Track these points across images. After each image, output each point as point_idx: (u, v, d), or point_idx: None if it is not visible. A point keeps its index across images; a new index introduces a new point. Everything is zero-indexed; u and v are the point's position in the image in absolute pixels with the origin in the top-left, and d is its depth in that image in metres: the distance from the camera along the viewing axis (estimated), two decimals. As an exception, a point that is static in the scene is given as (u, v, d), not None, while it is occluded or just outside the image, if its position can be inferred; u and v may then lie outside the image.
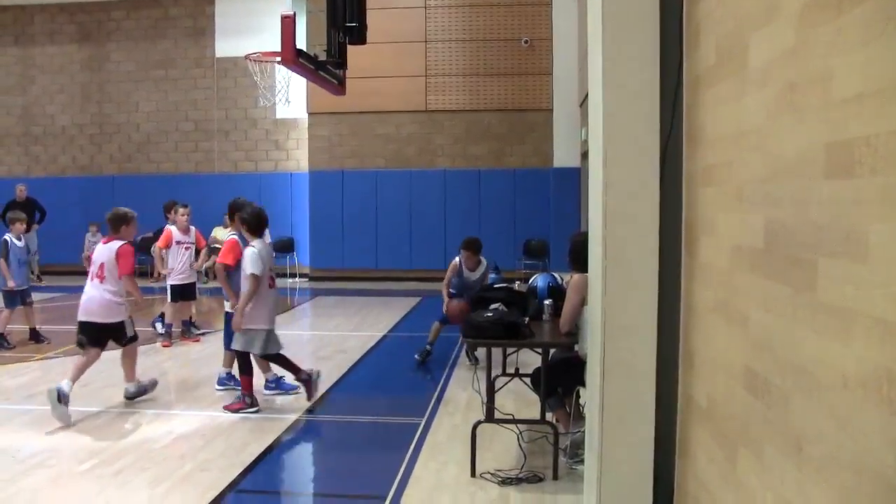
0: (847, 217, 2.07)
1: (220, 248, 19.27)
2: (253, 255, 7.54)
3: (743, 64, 2.98)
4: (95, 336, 7.82)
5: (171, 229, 11.21)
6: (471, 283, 9.61)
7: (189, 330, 11.63)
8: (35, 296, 11.87)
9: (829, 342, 2.16)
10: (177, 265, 11.16)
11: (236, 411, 7.61)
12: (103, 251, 7.92)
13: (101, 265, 7.85)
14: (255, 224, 7.75)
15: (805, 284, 2.34)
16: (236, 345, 7.65)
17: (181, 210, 11.26)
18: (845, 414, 2.06)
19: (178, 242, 11.14)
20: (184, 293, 11.28)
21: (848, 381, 2.05)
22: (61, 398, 7.20)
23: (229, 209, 8.47)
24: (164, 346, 10.97)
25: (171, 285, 11.15)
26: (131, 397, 8.04)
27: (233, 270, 7.99)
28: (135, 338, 8.12)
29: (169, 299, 11.21)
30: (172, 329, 11.24)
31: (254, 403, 7.71)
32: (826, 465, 2.17)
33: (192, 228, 11.36)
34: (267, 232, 8.09)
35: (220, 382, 8.57)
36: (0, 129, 22.06)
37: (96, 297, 7.83)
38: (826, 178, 2.20)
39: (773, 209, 2.65)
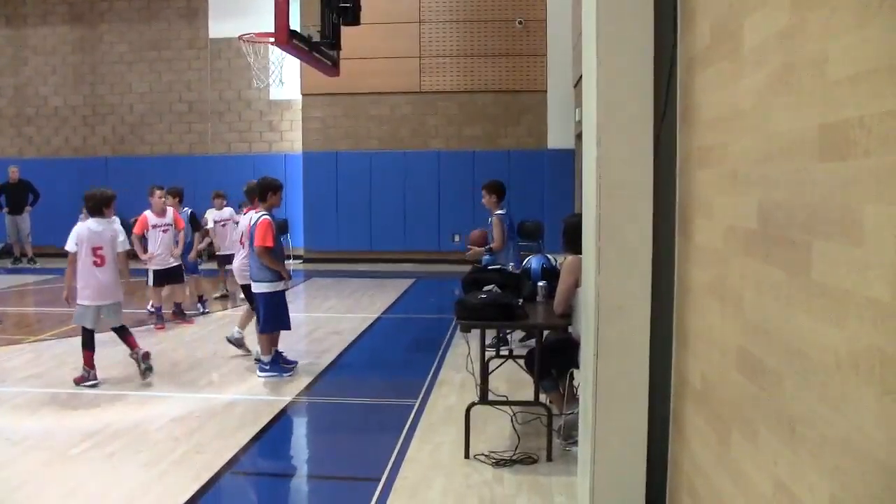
0: (841, 198, 2.06)
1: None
2: (71, 234, 8.10)
3: (738, 45, 2.97)
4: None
5: (147, 213, 11.05)
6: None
7: (182, 312, 11.58)
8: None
9: (823, 323, 2.16)
10: (157, 249, 10.97)
11: (79, 383, 7.90)
12: (243, 222, 9.37)
13: (243, 235, 9.26)
14: (89, 205, 8.20)
15: (799, 266, 2.34)
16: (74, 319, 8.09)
17: (157, 192, 11.14)
18: (838, 395, 2.06)
19: (153, 226, 10.97)
20: (168, 277, 11.19)
21: (841, 363, 2.05)
22: (234, 342, 9.26)
23: (259, 189, 8.55)
24: (158, 329, 10.93)
25: (154, 270, 11.02)
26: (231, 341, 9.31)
27: (273, 248, 8.29)
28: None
29: (151, 284, 11.09)
30: (163, 312, 11.21)
31: (90, 377, 7.97)
32: (819, 446, 2.18)
33: (170, 210, 11.21)
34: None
35: (261, 369, 8.47)
36: (-8, 111, 21.97)
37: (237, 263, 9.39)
38: (820, 159, 2.19)
39: (767, 191, 2.64)
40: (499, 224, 9.30)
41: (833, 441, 2.09)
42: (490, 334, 8.43)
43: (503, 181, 9.87)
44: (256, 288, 8.37)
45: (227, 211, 13.31)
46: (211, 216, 13.25)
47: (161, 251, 10.98)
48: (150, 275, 11.06)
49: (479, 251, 9.37)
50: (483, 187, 9.64)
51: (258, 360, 8.52)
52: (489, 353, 7.08)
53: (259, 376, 8.25)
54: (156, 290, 11.12)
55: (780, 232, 2.52)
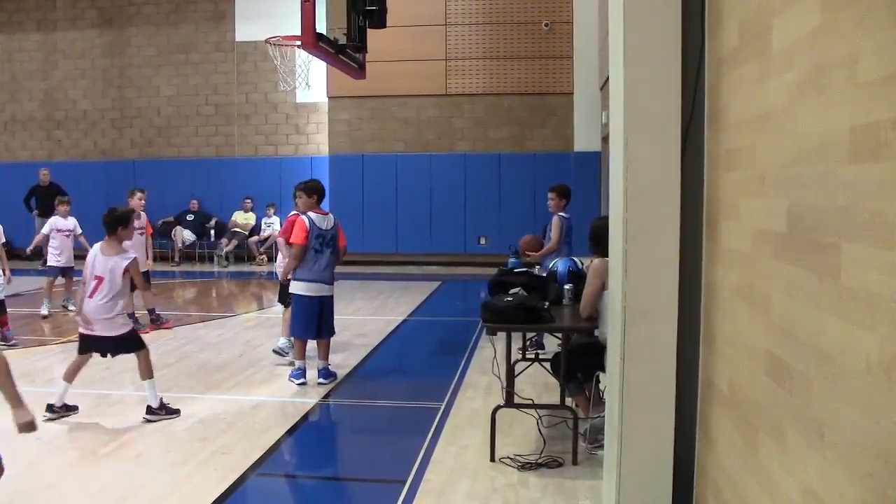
0: (873, 201, 2.04)
1: (240, 232, 19.09)
2: None
3: (767, 46, 2.94)
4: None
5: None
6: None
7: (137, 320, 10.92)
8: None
9: (853, 328, 2.14)
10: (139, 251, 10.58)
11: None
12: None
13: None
14: None
15: (829, 269, 2.31)
16: None
17: (137, 194, 11.04)
18: (869, 400, 2.04)
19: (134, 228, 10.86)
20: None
21: (872, 367, 2.02)
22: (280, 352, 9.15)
23: (318, 190, 8.39)
24: (167, 328, 10.95)
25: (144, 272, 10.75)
26: (277, 351, 9.15)
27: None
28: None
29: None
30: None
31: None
32: (849, 451, 2.15)
33: (143, 214, 11.11)
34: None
35: (323, 375, 8.29)
36: (23, 114, 22.19)
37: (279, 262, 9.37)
38: (851, 161, 2.16)
39: (796, 193, 2.62)
40: (558, 224, 9.20)
41: (863, 446, 2.06)
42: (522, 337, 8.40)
43: (568, 185, 9.77)
44: (331, 291, 8.27)
45: (72, 221, 12.18)
46: (52, 224, 11.99)
47: (139, 254, 10.85)
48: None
49: (538, 256, 9.23)
50: (551, 189, 9.57)
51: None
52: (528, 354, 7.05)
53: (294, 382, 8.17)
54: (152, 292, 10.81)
55: (809, 235, 2.49)
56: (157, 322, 11.06)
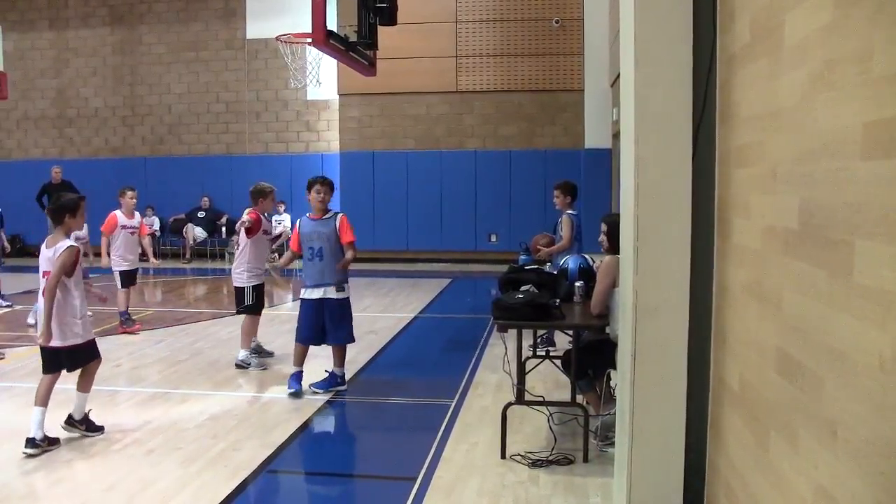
0: (885, 198, 2.02)
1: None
2: None
3: (778, 42, 2.92)
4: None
5: (117, 213, 10.83)
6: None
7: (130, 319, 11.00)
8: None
9: (866, 325, 2.12)
10: (126, 251, 10.77)
11: None
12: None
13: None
14: None
15: (841, 266, 2.29)
16: None
17: (128, 193, 10.94)
18: (882, 398, 2.02)
19: (123, 227, 10.77)
20: (132, 279, 10.97)
21: (884, 365, 2.01)
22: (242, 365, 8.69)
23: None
24: (133, 332, 10.64)
25: (120, 271, 10.72)
26: (239, 364, 8.72)
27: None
28: (252, 307, 8.78)
29: (120, 286, 10.69)
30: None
31: None
32: (861, 449, 2.14)
33: (136, 213, 11.11)
34: None
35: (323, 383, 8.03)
36: (35, 112, 22.29)
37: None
38: (864, 157, 2.15)
39: (808, 190, 2.60)
40: (568, 223, 9.16)
41: (877, 445, 2.05)
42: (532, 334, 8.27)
43: (575, 182, 9.72)
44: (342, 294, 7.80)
45: None
46: None
47: (131, 254, 10.85)
48: (119, 277, 10.73)
49: (547, 253, 9.16)
50: (556, 187, 9.53)
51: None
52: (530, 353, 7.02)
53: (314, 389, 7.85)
54: (125, 292, 10.81)
55: (820, 232, 2.47)
56: (125, 326, 10.70)
